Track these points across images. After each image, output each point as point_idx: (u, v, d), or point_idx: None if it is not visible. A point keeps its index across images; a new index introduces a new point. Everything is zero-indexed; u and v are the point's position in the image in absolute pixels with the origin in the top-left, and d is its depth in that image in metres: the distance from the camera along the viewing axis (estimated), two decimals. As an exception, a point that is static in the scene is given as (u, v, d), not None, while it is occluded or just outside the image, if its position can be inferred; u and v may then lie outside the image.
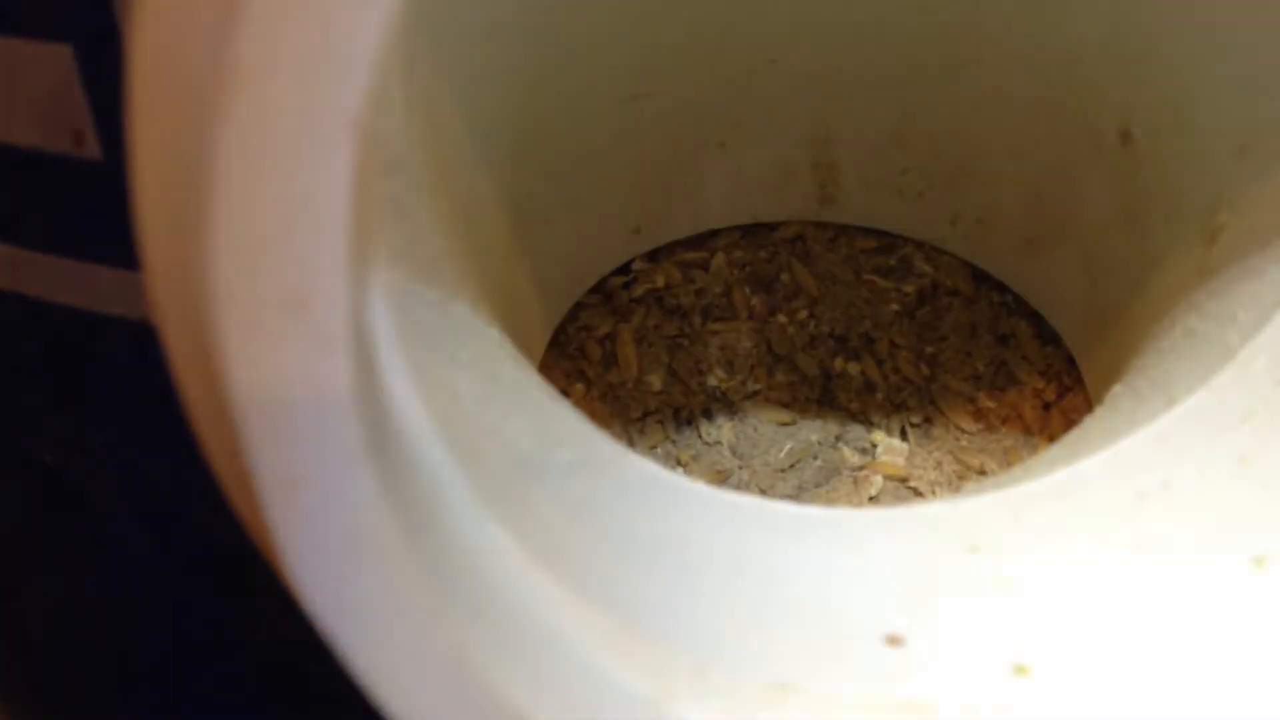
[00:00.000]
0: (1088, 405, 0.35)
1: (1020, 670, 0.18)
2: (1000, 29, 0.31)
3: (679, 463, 0.35)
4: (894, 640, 0.18)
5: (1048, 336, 0.37)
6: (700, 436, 0.36)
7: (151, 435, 0.23)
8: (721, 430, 0.36)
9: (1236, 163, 0.24)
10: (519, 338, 0.34)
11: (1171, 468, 0.20)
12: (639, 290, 0.38)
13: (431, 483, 0.15)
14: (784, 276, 0.39)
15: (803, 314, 0.38)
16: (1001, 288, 0.38)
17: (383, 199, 0.16)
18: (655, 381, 0.37)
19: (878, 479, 0.35)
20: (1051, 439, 0.35)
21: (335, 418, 0.12)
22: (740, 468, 0.35)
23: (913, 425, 0.36)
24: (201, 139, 0.11)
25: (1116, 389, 0.25)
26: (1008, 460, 0.35)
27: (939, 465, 0.35)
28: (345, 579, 0.12)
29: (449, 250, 0.21)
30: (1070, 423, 0.35)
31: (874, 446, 0.36)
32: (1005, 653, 0.18)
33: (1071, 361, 0.36)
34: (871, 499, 0.35)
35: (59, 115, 0.20)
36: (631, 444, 0.36)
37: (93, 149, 0.20)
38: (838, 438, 0.36)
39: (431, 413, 0.16)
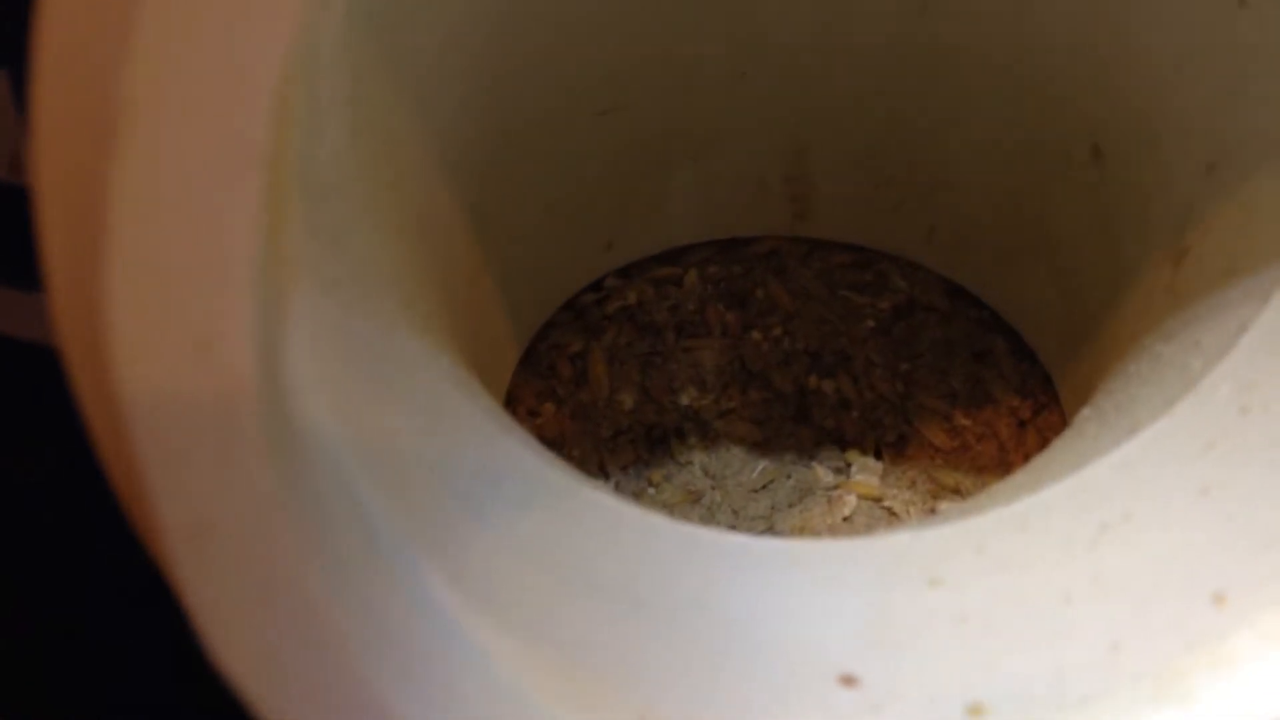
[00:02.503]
0: (1063, 423, 0.34)
1: (975, 710, 0.17)
2: (971, 45, 0.30)
3: (650, 483, 0.35)
4: (848, 680, 0.18)
5: (1024, 353, 0.36)
6: (672, 456, 0.35)
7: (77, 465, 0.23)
8: (694, 450, 0.35)
9: (1204, 182, 0.24)
10: (487, 356, 0.33)
11: (1133, 498, 0.20)
12: (611, 307, 0.37)
13: (359, 527, 0.14)
14: (758, 292, 0.38)
15: (777, 330, 0.37)
16: (978, 303, 0.37)
17: (315, 228, 0.16)
18: (627, 400, 0.36)
19: (852, 499, 0.35)
20: (1027, 457, 0.35)
21: (246, 463, 0.12)
22: (713, 488, 0.35)
23: (887, 444, 0.36)
24: (97, 174, 0.11)
25: (1085, 412, 0.25)
26: (982, 479, 0.34)
27: (913, 484, 0.35)
28: (259, 634, 0.12)
29: (395, 275, 0.20)
30: (1045, 440, 0.35)
31: (848, 466, 0.35)
32: (961, 692, 0.18)
33: (1048, 379, 0.36)
34: (845, 519, 0.35)
35: (-6, 139, 0.19)
36: (602, 464, 0.35)
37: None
38: (812, 457, 0.36)
39: (361, 450, 0.15)
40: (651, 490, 0.35)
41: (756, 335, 0.37)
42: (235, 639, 0.12)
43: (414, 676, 0.14)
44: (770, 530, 0.34)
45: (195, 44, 0.10)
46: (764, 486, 0.35)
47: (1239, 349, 0.20)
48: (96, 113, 0.11)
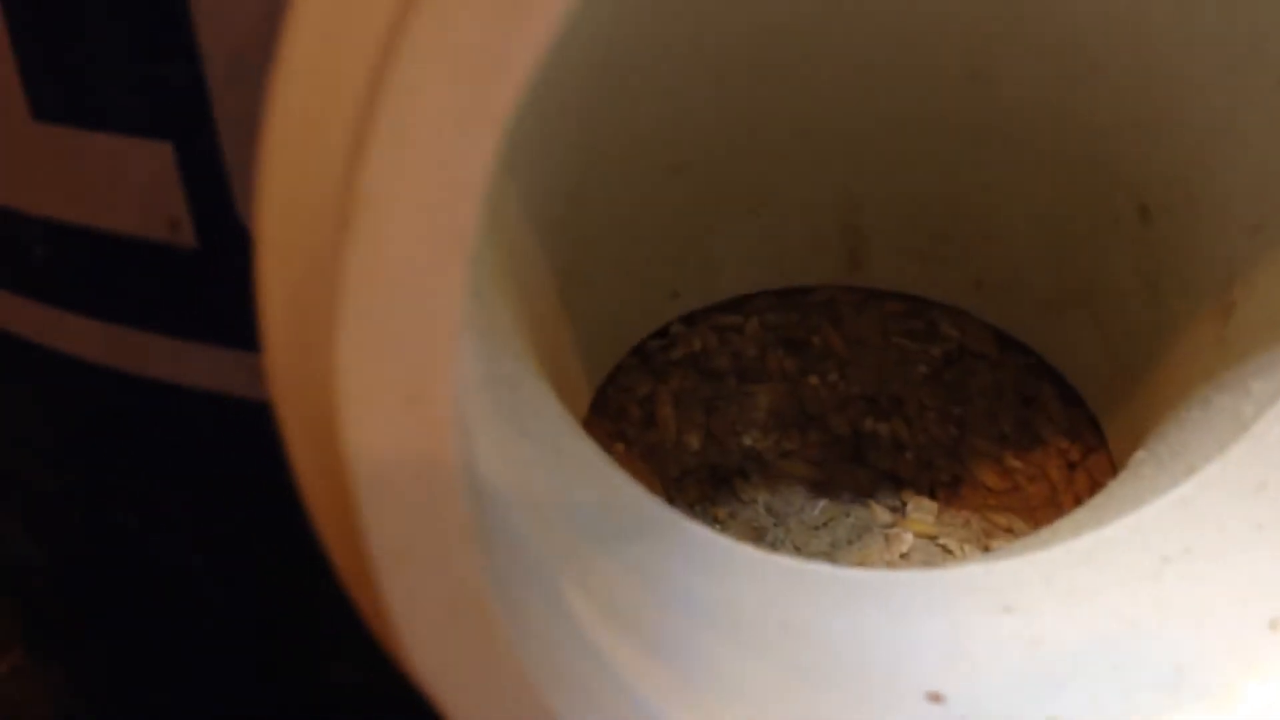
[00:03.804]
0: (1111, 465, 0.36)
1: (1054, 724, 0.19)
2: (1022, 106, 0.32)
3: (716, 520, 0.37)
4: (935, 697, 0.20)
5: (1071, 398, 0.38)
6: (736, 495, 0.37)
7: (228, 501, 0.25)
8: (757, 489, 0.37)
9: (1249, 241, 0.25)
10: (564, 400, 0.36)
11: (1192, 534, 0.21)
12: (677, 353, 0.39)
13: (515, 550, 0.16)
14: (815, 339, 0.40)
15: (834, 375, 0.39)
16: (1026, 350, 0.39)
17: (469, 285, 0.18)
18: (693, 441, 0.38)
19: (908, 536, 0.36)
20: (1077, 498, 0.36)
21: (446, 496, 0.14)
22: (775, 525, 0.37)
23: (941, 484, 0.37)
24: (331, 253, 0.13)
25: (1140, 454, 0.27)
26: (1034, 519, 0.36)
27: (967, 523, 0.37)
28: (449, 647, 0.14)
29: (514, 327, 0.22)
30: (1095, 482, 0.36)
31: (904, 505, 0.37)
32: (1038, 708, 0.19)
33: (1095, 422, 0.37)
34: (902, 556, 0.36)
35: (157, 206, 0.22)
36: (671, 502, 0.37)
37: (187, 237, 0.22)
38: (869, 496, 0.37)
39: (510, 484, 0.17)
40: (718, 526, 0.37)
41: (814, 380, 0.39)
42: (427, 647, 0.14)
43: (560, 676, 0.16)
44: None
45: (423, 147, 0.12)
46: (824, 524, 0.37)
47: (1287, 396, 0.22)
48: (328, 201, 0.13)
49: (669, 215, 0.37)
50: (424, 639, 0.14)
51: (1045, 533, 0.26)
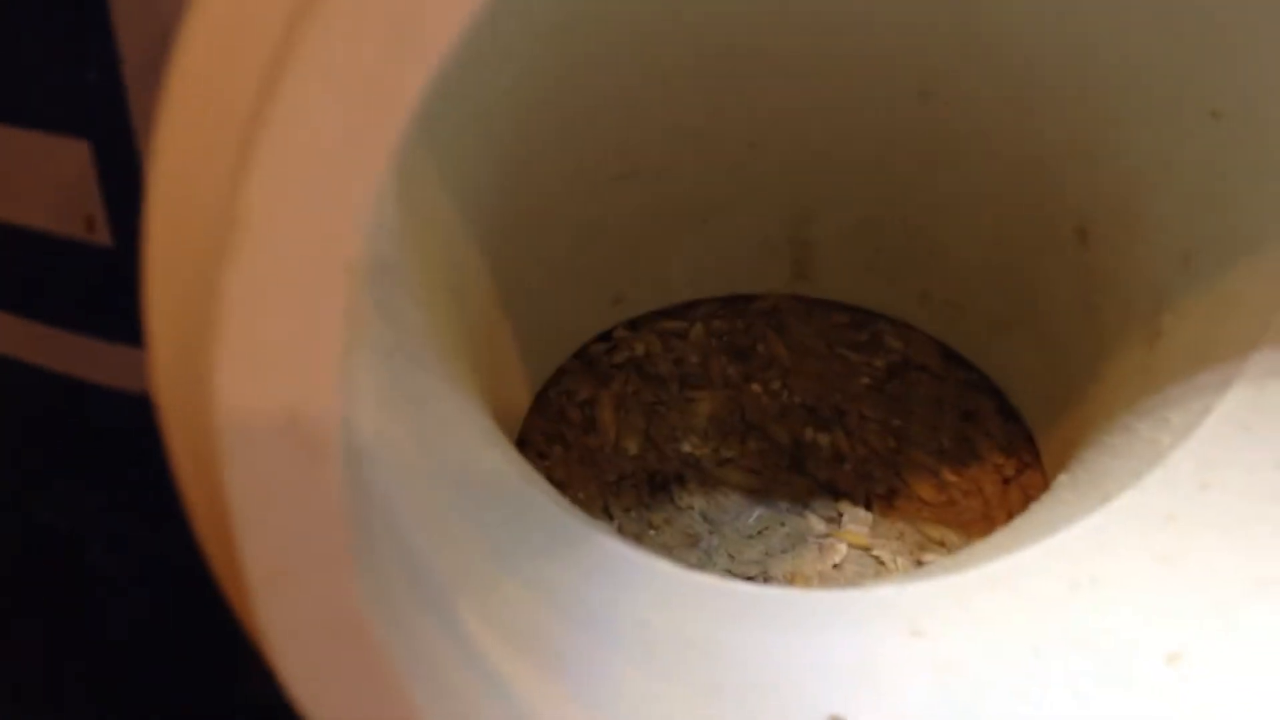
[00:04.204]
0: (1045, 481, 0.36)
1: (950, 753, 0.19)
2: (969, 127, 0.32)
3: (651, 526, 0.37)
4: (835, 721, 0.20)
5: (1010, 414, 0.38)
6: (673, 501, 0.37)
7: (146, 500, 0.25)
8: (694, 495, 0.37)
9: (1179, 271, 0.26)
10: (503, 402, 0.35)
11: (1101, 562, 0.21)
12: (620, 357, 0.39)
13: (411, 573, 0.16)
14: (759, 347, 0.40)
15: (776, 384, 0.39)
16: (968, 365, 0.39)
17: (375, 302, 0.18)
18: (632, 446, 0.38)
19: (842, 547, 0.37)
20: (1010, 513, 0.37)
21: (325, 520, 0.14)
22: (710, 532, 0.37)
23: (878, 496, 0.37)
24: (211, 273, 0.13)
25: (1061, 478, 0.27)
26: (967, 533, 0.36)
27: (901, 535, 0.37)
28: (327, 672, 0.14)
29: (435, 335, 0.22)
30: (1028, 498, 0.37)
31: (840, 515, 0.37)
32: (938, 735, 0.19)
33: (1031, 439, 0.38)
34: (835, 566, 0.36)
35: (74, 203, 0.21)
36: (607, 506, 0.37)
37: (103, 235, 0.22)
38: (805, 506, 0.37)
39: (410, 501, 0.17)
40: (652, 532, 0.37)
41: (756, 388, 0.39)
42: (304, 671, 0.14)
43: (449, 702, 0.16)
44: (764, 574, 0.36)
45: (305, 166, 0.12)
46: (759, 533, 0.37)
47: (1203, 429, 0.22)
48: (212, 215, 0.13)
49: (615, 221, 0.37)
50: (300, 664, 0.14)
51: (963, 555, 0.26)
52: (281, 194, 0.12)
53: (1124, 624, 0.20)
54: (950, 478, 0.38)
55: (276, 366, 0.13)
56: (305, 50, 0.12)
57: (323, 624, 0.14)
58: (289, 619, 0.14)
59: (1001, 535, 0.26)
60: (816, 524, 0.37)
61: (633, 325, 0.40)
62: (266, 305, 0.13)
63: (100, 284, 0.22)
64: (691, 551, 0.36)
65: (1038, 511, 0.26)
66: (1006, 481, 0.37)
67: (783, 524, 0.37)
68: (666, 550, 0.36)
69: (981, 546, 0.25)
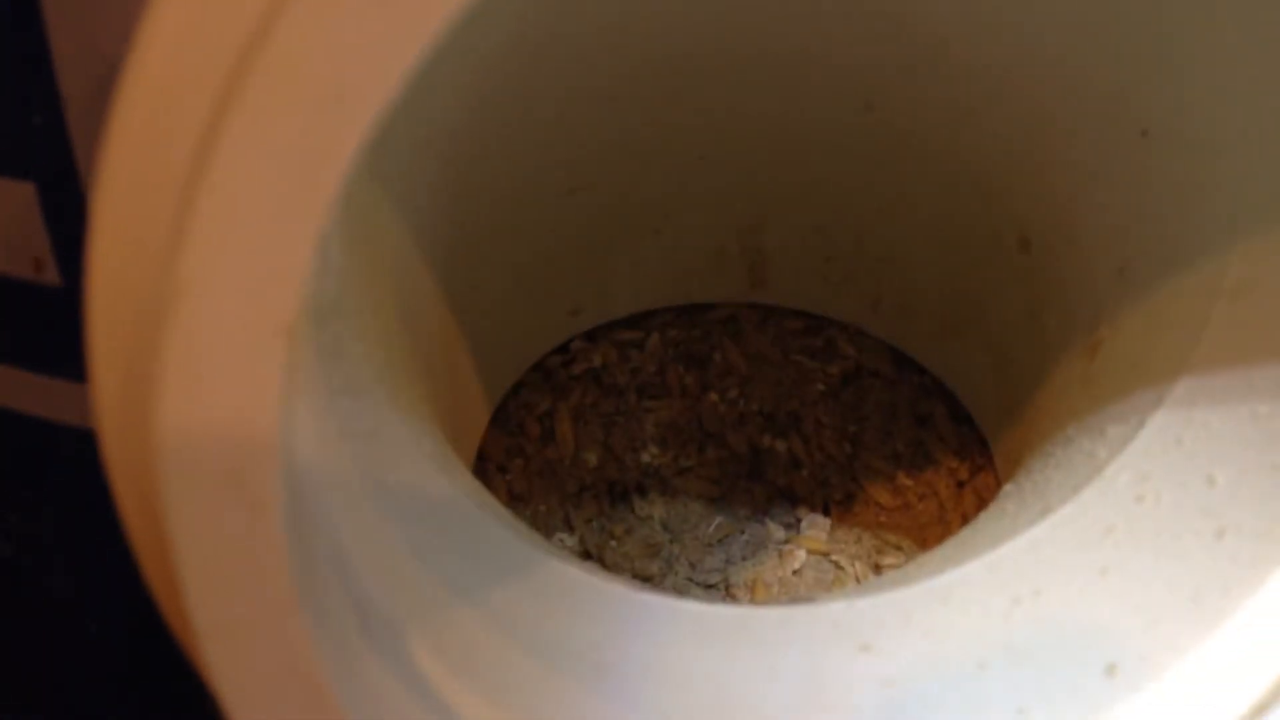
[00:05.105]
0: (997, 483, 0.37)
1: (896, 769, 0.19)
2: (913, 138, 0.33)
3: (613, 536, 0.37)
4: (784, 739, 0.20)
5: (963, 418, 0.39)
6: (633, 511, 0.38)
7: (98, 532, 0.25)
8: (654, 505, 0.38)
9: (1116, 282, 0.26)
10: (461, 418, 0.36)
11: (1043, 575, 0.22)
12: (577, 369, 0.40)
13: (358, 612, 0.16)
14: (716, 356, 0.41)
15: (733, 392, 0.40)
16: (921, 370, 0.40)
17: (320, 347, 0.18)
18: (591, 458, 0.38)
19: (801, 553, 0.37)
20: (964, 516, 0.37)
21: (270, 571, 0.14)
22: (671, 541, 0.37)
23: (835, 501, 0.38)
24: (152, 331, 0.13)
25: (1007, 488, 0.27)
26: (923, 536, 0.37)
27: (859, 540, 0.37)
28: (274, 715, 0.14)
29: (387, 366, 0.22)
30: (981, 500, 0.37)
31: (798, 521, 0.38)
32: (885, 751, 0.20)
33: (984, 442, 0.38)
34: (795, 572, 0.37)
35: (21, 245, 0.22)
36: (568, 518, 0.37)
37: (51, 275, 0.22)
38: (764, 513, 0.38)
39: (360, 542, 0.17)
40: (614, 543, 0.37)
41: (714, 396, 0.40)
42: (251, 714, 0.14)
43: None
44: (725, 582, 0.37)
45: (240, 233, 0.12)
46: (719, 541, 0.37)
47: (1137, 442, 0.23)
48: (153, 265, 0.13)
49: (569, 234, 0.37)
50: (252, 713, 0.14)
51: (911, 567, 0.26)
52: (218, 262, 0.12)
53: (1065, 637, 0.21)
54: (905, 481, 0.38)
55: (217, 426, 0.13)
56: (242, 112, 0.13)
57: (272, 673, 0.14)
58: (238, 669, 0.14)
59: (948, 547, 0.26)
60: (776, 531, 0.37)
61: (590, 336, 0.40)
62: (206, 368, 0.13)
63: (51, 322, 0.22)
64: (653, 561, 0.37)
65: (984, 523, 0.26)
66: (961, 484, 0.38)
67: (742, 531, 0.37)
68: (628, 560, 0.37)
69: (929, 558, 0.26)
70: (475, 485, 0.24)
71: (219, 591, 0.14)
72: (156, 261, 0.13)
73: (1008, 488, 0.27)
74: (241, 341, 0.13)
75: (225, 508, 0.13)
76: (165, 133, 0.14)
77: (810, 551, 0.37)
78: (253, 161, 0.12)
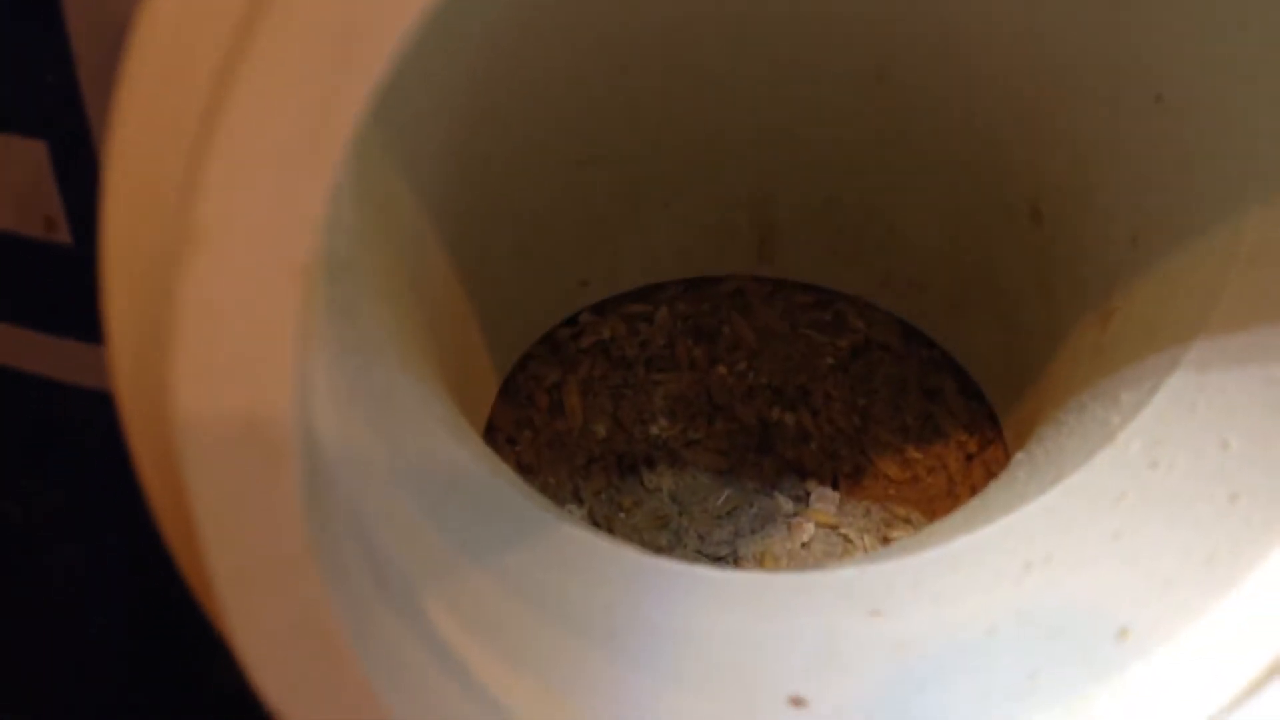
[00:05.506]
0: (1006, 457, 0.37)
1: (907, 730, 0.19)
2: (925, 108, 0.33)
3: (621, 508, 0.37)
4: (797, 701, 0.20)
5: (972, 391, 0.39)
6: (642, 483, 0.38)
7: (109, 495, 0.25)
8: (662, 477, 0.38)
9: (1128, 252, 0.26)
10: (470, 389, 0.36)
11: (1055, 541, 0.22)
12: (586, 341, 0.40)
13: (373, 568, 0.16)
14: (725, 329, 0.40)
15: (742, 365, 0.40)
16: (930, 343, 0.40)
17: (332, 304, 0.18)
18: (600, 429, 0.38)
19: (810, 526, 0.37)
20: (973, 489, 0.37)
21: (285, 520, 0.14)
22: (679, 514, 0.37)
23: (844, 474, 0.38)
24: (167, 277, 0.13)
25: (1019, 456, 0.27)
26: (932, 509, 0.37)
27: (868, 513, 0.37)
28: (293, 668, 0.14)
29: (397, 330, 0.22)
30: (990, 474, 0.37)
31: (807, 494, 0.38)
32: (897, 713, 0.20)
33: (993, 416, 0.38)
34: (804, 545, 0.37)
35: (33, 204, 0.22)
36: (576, 490, 0.37)
37: (63, 234, 0.22)
38: (773, 486, 0.38)
39: (372, 497, 0.17)
40: (622, 515, 0.37)
41: (722, 369, 0.40)
42: (272, 670, 0.14)
43: (414, 694, 0.16)
44: (733, 555, 0.37)
45: (256, 174, 0.12)
46: (728, 513, 0.37)
47: (1151, 408, 0.23)
48: (167, 216, 0.13)
49: (579, 206, 0.37)
50: (268, 664, 0.14)
51: (922, 535, 0.26)
52: (234, 202, 0.12)
53: (1076, 602, 0.21)
54: (914, 455, 0.38)
55: (233, 373, 0.13)
56: (254, 58, 0.13)
57: (289, 624, 0.14)
58: (255, 620, 0.14)
59: (959, 515, 0.26)
60: (784, 504, 0.37)
61: (598, 309, 0.40)
62: (222, 313, 0.13)
63: (62, 282, 0.22)
64: (661, 533, 0.37)
65: (995, 491, 0.26)
66: (970, 458, 0.38)
67: (751, 504, 0.37)
68: (637, 532, 0.37)
69: (940, 526, 0.26)
70: (486, 451, 0.24)
71: (236, 542, 0.14)
72: (171, 211, 0.13)
73: (1019, 456, 0.27)
74: (258, 282, 0.13)
75: (242, 456, 0.13)
76: (178, 79, 0.13)
77: (819, 524, 0.37)
78: (267, 103, 0.12)
